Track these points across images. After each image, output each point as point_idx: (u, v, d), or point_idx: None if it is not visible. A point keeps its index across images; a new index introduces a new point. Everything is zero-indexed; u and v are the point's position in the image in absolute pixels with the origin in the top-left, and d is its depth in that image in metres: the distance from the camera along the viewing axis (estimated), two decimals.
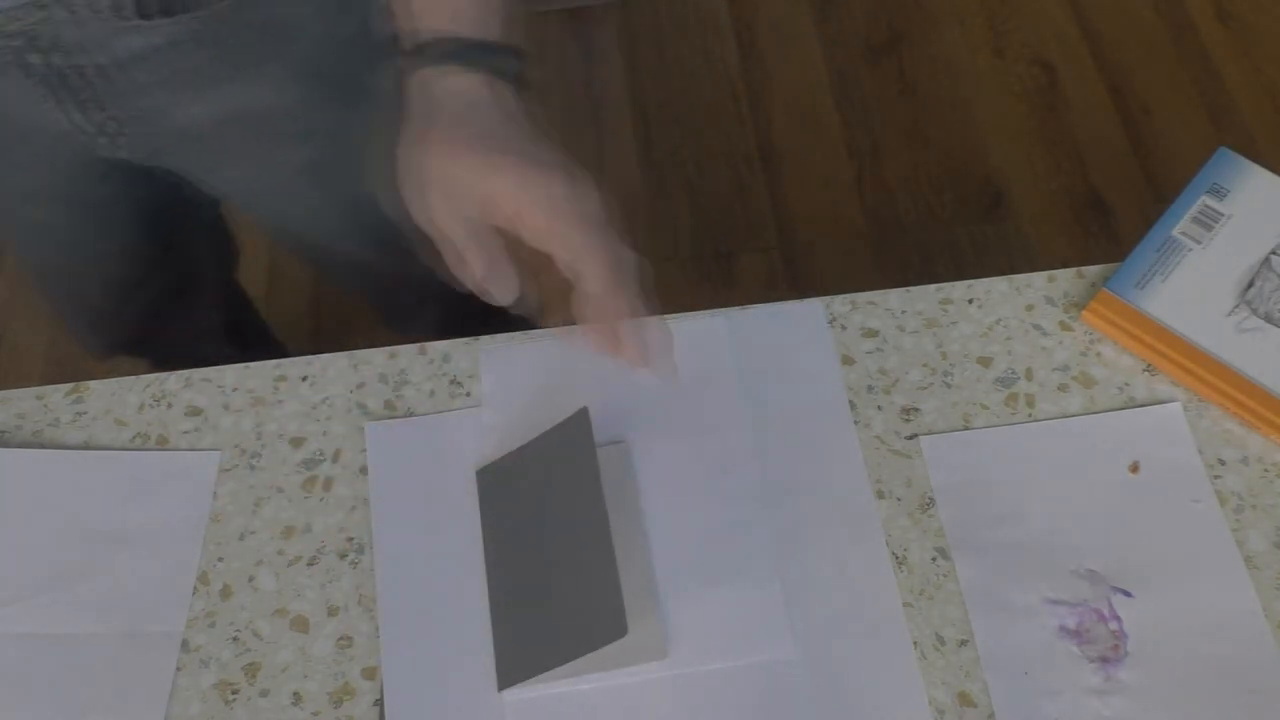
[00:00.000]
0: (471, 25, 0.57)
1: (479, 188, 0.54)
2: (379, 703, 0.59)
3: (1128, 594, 0.60)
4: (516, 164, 0.54)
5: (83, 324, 1.08)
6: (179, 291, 1.06)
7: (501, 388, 0.69)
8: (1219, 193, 0.71)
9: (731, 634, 0.60)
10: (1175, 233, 0.70)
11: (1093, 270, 0.71)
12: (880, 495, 0.64)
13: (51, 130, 0.76)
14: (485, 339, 0.71)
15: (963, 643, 0.59)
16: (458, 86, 0.56)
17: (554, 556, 0.61)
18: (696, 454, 0.65)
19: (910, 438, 0.66)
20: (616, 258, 0.54)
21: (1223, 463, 0.64)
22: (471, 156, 0.55)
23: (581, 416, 0.62)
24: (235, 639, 0.62)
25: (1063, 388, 0.67)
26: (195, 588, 0.64)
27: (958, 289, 0.71)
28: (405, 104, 0.58)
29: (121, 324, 1.06)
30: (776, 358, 0.69)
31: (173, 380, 0.71)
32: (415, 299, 1.00)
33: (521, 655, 0.59)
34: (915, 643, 0.59)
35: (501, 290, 0.56)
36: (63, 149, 0.79)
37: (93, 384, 0.71)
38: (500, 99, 0.57)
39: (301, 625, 0.62)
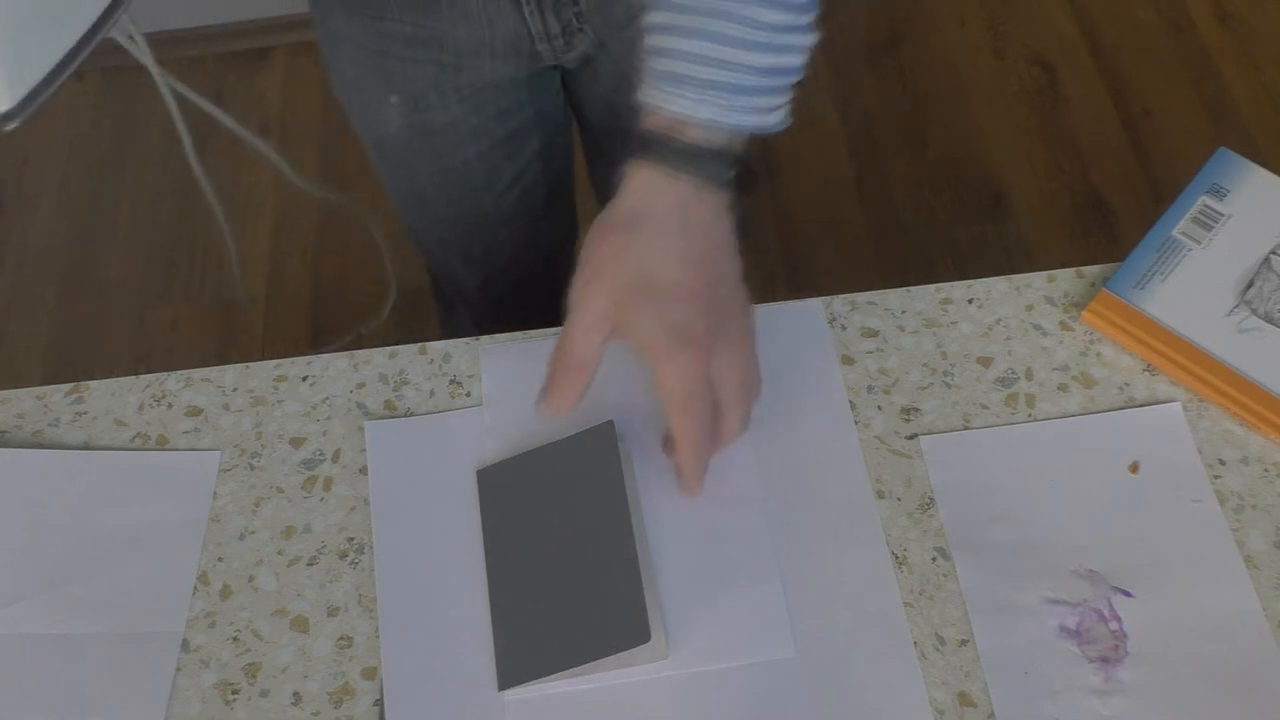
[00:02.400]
0: (692, 129, 0.57)
1: (620, 312, 0.58)
2: (379, 703, 0.59)
3: (1128, 594, 0.60)
4: (658, 330, 0.56)
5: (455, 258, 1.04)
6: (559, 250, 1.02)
7: (502, 388, 0.68)
8: (1219, 193, 0.71)
9: (732, 634, 0.60)
10: (1175, 233, 0.70)
11: (1093, 270, 0.71)
12: (880, 495, 0.64)
13: (502, 44, 0.79)
14: (485, 339, 0.71)
15: (963, 643, 0.59)
16: (655, 193, 0.57)
17: (569, 560, 0.61)
18: None
19: (910, 438, 0.66)
20: (704, 440, 0.58)
21: (1223, 463, 0.64)
22: (630, 279, 0.57)
23: (606, 429, 0.62)
24: (235, 639, 0.62)
25: (1063, 388, 0.67)
26: (195, 588, 0.64)
27: (958, 289, 0.71)
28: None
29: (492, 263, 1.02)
30: (776, 358, 0.68)
31: (172, 380, 0.71)
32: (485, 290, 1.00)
33: (527, 655, 0.59)
34: (915, 643, 0.59)
35: (547, 411, 0.60)
36: (496, 75, 0.82)
37: (93, 384, 0.71)
38: (691, 215, 0.57)
39: (301, 625, 0.62)
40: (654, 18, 0.57)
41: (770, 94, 0.58)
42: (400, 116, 0.85)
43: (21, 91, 0.46)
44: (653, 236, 0.57)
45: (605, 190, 0.69)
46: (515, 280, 1.01)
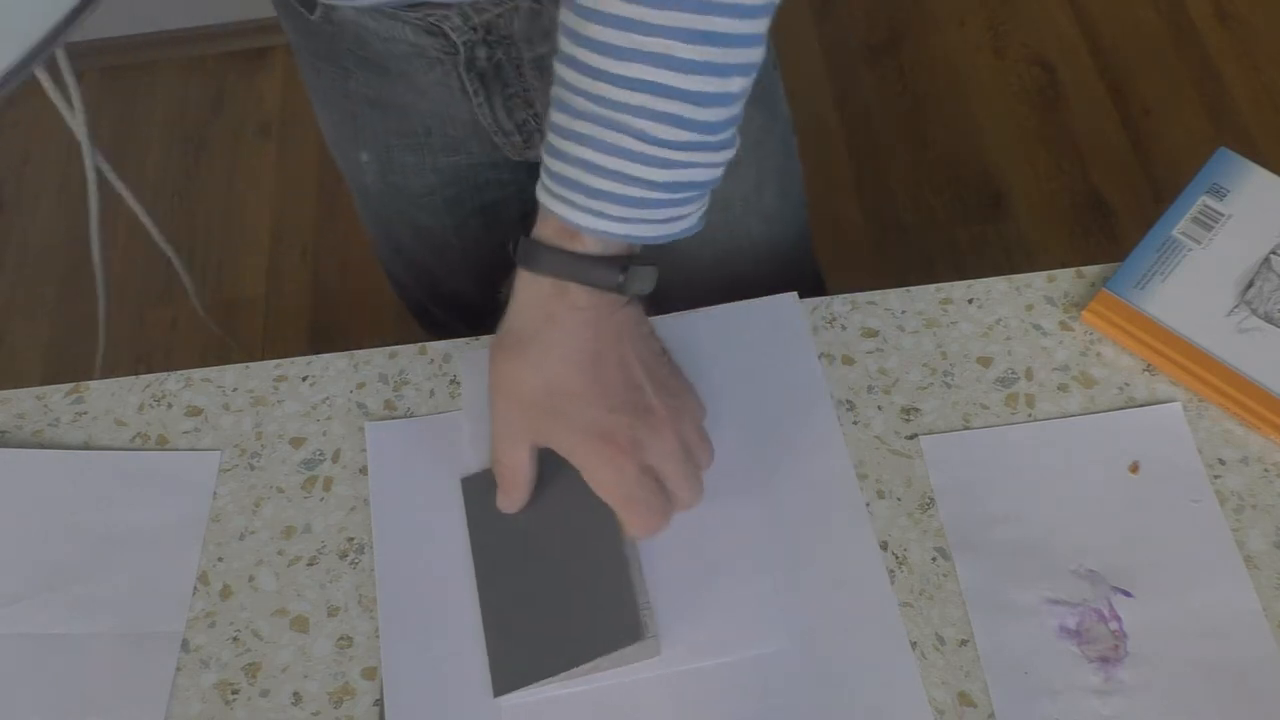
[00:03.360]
0: (584, 238, 0.55)
1: (536, 428, 0.58)
2: (379, 703, 0.59)
3: (1128, 594, 0.60)
4: (575, 438, 0.56)
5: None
6: None
7: (483, 397, 0.67)
8: (1219, 193, 0.71)
9: (725, 629, 0.60)
10: (1175, 233, 0.70)
11: (1093, 270, 0.71)
12: (880, 495, 0.64)
13: (464, 127, 0.76)
14: (486, 339, 0.71)
15: (963, 643, 0.59)
16: (542, 305, 0.56)
17: (558, 562, 0.60)
18: None
19: (910, 438, 0.66)
20: (660, 524, 0.58)
21: (1223, 463, 0.64)
22: (532, 399, 0.57)
23: None
24: (235, 639, 0.62)
25: (1063, 388, 0.67)
26: (195, 588, 0.64)
27: (958, 289, 0.71)
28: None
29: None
30: (754, 353, 0.68)
31: (172, 380, 0.71)
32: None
33: (520, 661, 0.59)
34: (915, 643, 0.59)
35: (506, 503, 0.61)
36: (468, 150, 0.79)
37: (93, 384, 0.71)
38: (582, 318, 0.56)
39: (301, 625, 0.62)
40: (552, 116, 0.54)
41: (672, 206, 0.54)
42: (373, 174, 0.84)
43: None
44: (542, 353, 0.56)
45: None
46: (490, 324, 1.00)
